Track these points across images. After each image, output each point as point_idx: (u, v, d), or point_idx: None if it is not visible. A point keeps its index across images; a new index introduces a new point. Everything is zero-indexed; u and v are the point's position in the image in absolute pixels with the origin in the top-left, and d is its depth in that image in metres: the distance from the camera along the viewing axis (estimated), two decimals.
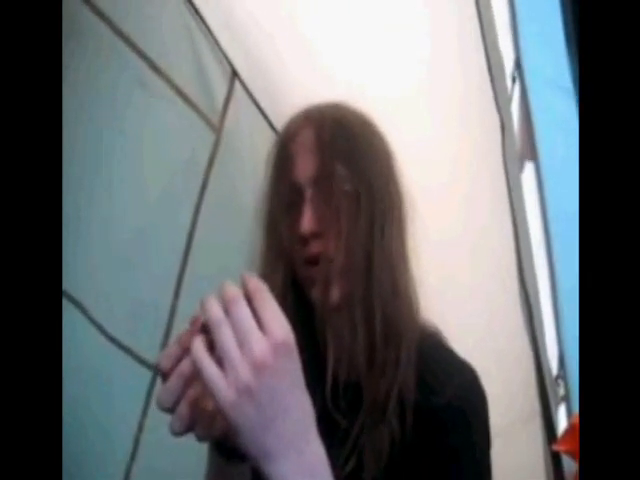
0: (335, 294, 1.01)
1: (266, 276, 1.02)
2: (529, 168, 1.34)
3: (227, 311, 0.69)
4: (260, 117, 1.98)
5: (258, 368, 0.67)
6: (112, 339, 1.58)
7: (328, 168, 1.02)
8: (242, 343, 0.67)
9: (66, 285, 1.48)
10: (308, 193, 1.02)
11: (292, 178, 1.04)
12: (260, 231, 1.09)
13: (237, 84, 1.95)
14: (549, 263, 1.29)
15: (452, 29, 1.59)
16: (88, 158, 1.57)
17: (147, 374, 1.63)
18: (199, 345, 0.70)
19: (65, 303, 1.49)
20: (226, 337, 0.68)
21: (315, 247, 1.01)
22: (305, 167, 1.04)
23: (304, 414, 0.71)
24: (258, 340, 0.67)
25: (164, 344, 1.66)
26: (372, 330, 0.99)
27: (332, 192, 1.01)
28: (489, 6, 1.52)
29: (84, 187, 1.56)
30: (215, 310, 0.69)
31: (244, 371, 0.66)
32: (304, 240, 1.01)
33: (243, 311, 0.68)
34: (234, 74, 1.93)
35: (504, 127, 1.36)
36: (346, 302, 1.01)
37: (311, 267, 1.02)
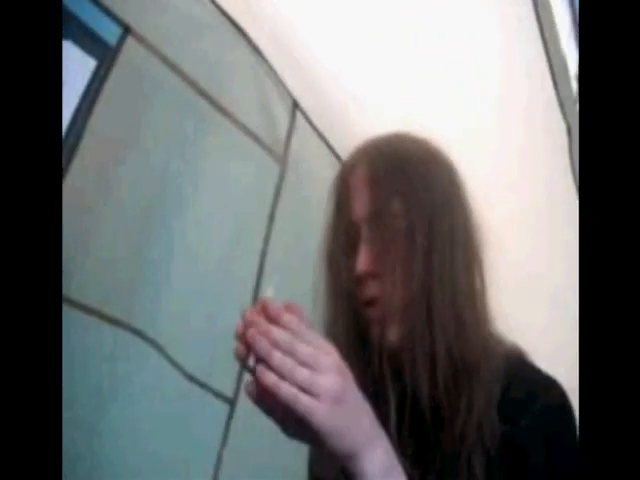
0: (392, 336, 0.95)
1: (329, 319, 1.00)
2: None
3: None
4: (323, 145, 1.98)
5: (336, 373, 0.73)
6: (190, 377, 1.59)
7: (382, 205, 0.98)
8: (310, 359, 0.73)
9: (143, 326, 1.51)
10: (364, 232, 0.98)
11: (350, 216, 1.00)
12: (322, 271, 1.05)
13: (299, 114, 1.96)
14: None
15: (514, 35, 1.56)
16: (160, 198, 1.61)
17: (224, 407, 1.63)
18: (272, 378, 0.72)
19: (142, 343, 1.52)
20: (301, 354, 0.73)
21: (371, 288, 0.96)
22: (361, 205, 0.99)
23: (371, 411, 0.78)
24: (323, 349, 0.75)
25: (240, 378, 1.66)
26: (435, 372, 0.93)
27: (387, 229, 0.97)
28: (549, 8, 1.48)
29: (155, 229, 1.60)
30: (281, 335, 0.74)
31: (329, 381, 0.72)
32: (361, 280, 0.97)
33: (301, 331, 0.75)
34: (295, 105, 1.95)
35: (570, 130, 1.31)
36: (406, 344, 0.95)
37: (369, 308, 0.97)
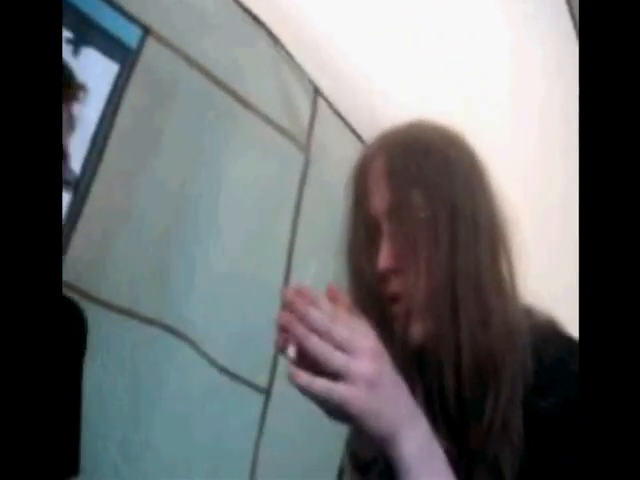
0: (416, 332, 0.93)
1: None
2: None
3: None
4: (347, 131, 1.98)
5: (372, 356, 0.75)
6: (223, 369, 1.62)
7: (401, 197, 0.94)
8: (346, 343, 0.74)
9: (174, 322, 1.54)
10: (385, 227, 0.95)
11: (369, 211, 0.97)
12: (344, 268, 1.02)
13: (321, 101, 1.96)
14: None
15: (526, 31, 1.54)
16: (188, 195, 1.63)
17: (259, 398, 1.67)
18: (304, 378, 0.74)
19: (175, 340, 1.54)
20: (338, 337, 0.74)
21: (395, 284, 0.94)
22: (380, 199, 0.96)
23: (409, 393, 0.79)
24: (360, 332, 0.76)
25: (273, 368, 1.69)
26: (460, 369, 0.91)
27: (407, 223, 0.93)
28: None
29: (184, 225, 1.62)
30: (318, 318, 0.75)
31: (364, 365, 0.74)
32: (384, 277, 0.94)
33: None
34: (317, 92, 1.95)
35: None
36: (431, 340, 0.93)
37: (393, 305, 0.94)
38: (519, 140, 1.51)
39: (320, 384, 0.73)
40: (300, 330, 0.75)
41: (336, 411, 0.76)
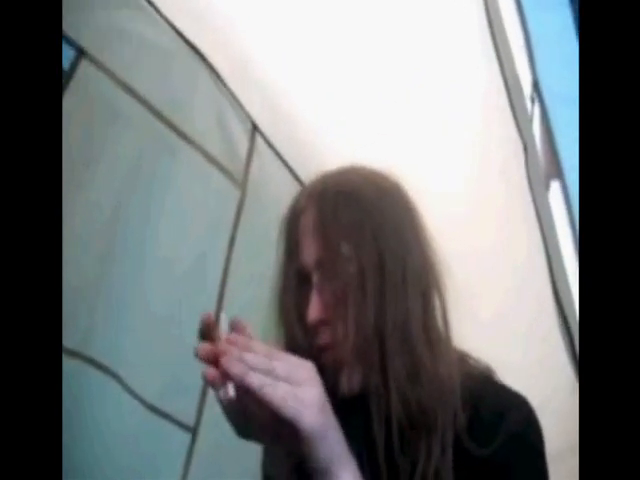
0: (345, 384, 0.92)
1: None
2: (555, 186, 1.29)
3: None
4: (284, 168, 1.97)
5: (315, 384, 0.78)
6: (149, 406, 1.56)
7: (330, 250, 0.94)
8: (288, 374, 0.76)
9: (103, 358, 1.48)
10: (315, 278, 0.95)
11: (299, 262, 0.97)
12: (275, 317, 1.01)
13: (258, 138, 1.95)
14: None
15: (468, 54, 1.58)
16: (120, 225, 1.58)
17: (186, 436, 1.60)
18: (259, 380, 0.75)
19: (103, 376, 1.49)
20: (279, 371, 0.76)
21: (325, 335, 0.94)
22: (310, 250, 0.96)
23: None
24: (296, 363, 0.79)
25: (201, 406, 1.63)
26: (389, 420, 0.90)
27: (336, 275, 0.93)
28: (503, 30, 1.51)
29: (115, 255, 1.56)
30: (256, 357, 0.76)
31: (311, 390, 0.76)
32: (314, 328, 0.94)
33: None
34: (254, 128, 1.94)
35: (526, 148, 1.32)
36: (360, 391, 0.93)
37: (324, 355, 0.94)
38: (462, 165, 1.53)
39: (277, 393, 0.74)
40: (241, 368, 0.74)
41: (278, 432, 0.77)
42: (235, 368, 0.74)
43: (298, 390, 0.75)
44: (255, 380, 0.74)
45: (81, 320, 1.46)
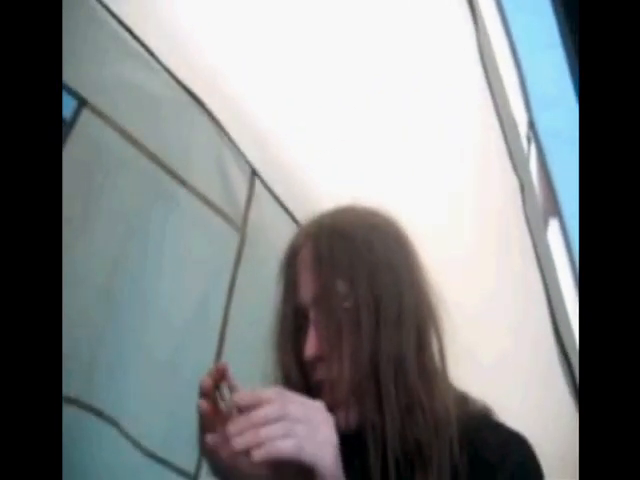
0: (341, 421, 0.92)
1: None
2: (554, 224, 1.30)
3: None
4: (283, 212, 1.98)
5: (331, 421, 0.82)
6: (148, 452, 1.54)
7: (326, 286, 0.97)
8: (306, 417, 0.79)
9: (101, 405, 1.47)
10: (311, 315, 0.98)
11: (297, 300, 1.00)
12: (273, 355, 1.04)
13: (257, 182, 1.97)
14: None
15: (463, 97, 1.60)
16: (120, 273, 1.58)
17: None
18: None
19: (101, 422, 1.47)
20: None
21: (321, 372, 0.96)
22: (307, 287, 0.99)
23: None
24: (313, 405, 0.83)
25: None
26: (385, 456, 0.91)
27: (332, 312, 0.96)
28: (497, 71, 1.53)
29: (115, 303, 1.56)
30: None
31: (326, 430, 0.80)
32: (310, 365, 0.97)
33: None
34: (254, 173, 1.95)
35: (524, 188, 1.33)
36: (356, 427, 0.94)
37: (320, 392, 0.95)
38: (460, 204, 1.54)
39: (300, 433, 0.77)
40: (251, 439, 0.77)
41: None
42: (246, 442, 0.77)
43: (317, 432, 0.77)
44: (272, 450, 0.76)
45: (81, 368, 1.45)
